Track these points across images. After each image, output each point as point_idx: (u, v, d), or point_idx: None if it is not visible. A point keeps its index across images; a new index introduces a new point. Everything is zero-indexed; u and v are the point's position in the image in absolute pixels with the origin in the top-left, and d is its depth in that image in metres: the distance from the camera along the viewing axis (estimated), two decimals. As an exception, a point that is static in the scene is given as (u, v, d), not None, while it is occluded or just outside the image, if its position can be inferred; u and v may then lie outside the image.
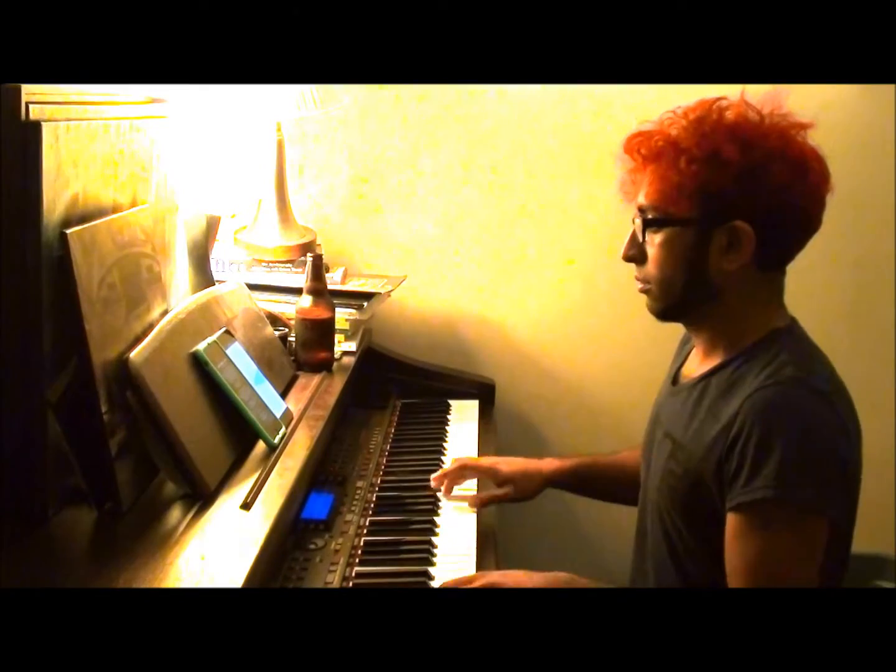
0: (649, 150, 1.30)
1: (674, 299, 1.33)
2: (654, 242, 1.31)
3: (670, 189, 1.28)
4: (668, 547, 1.34)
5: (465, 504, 1.61)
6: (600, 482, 1.67)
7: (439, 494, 1.64)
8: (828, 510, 1.21)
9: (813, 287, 2.14)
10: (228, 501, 1.30)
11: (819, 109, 2.07)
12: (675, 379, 1.44)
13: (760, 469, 1.19)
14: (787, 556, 1.20)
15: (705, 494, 1.27)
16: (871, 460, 1.30)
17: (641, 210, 1.32)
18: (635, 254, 1.34)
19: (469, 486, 1.67)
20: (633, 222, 1.34)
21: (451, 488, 1.64)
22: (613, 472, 1.65)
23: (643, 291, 1.36)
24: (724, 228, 1.27)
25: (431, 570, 1.40)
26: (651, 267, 1.33)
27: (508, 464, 1.67)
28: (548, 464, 1.67)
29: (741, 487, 1.21)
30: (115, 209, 1.35)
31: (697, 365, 1.38)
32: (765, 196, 1.26)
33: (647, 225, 1.31)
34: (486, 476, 1.68)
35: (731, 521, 1.22)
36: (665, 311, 1.35)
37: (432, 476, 1.65)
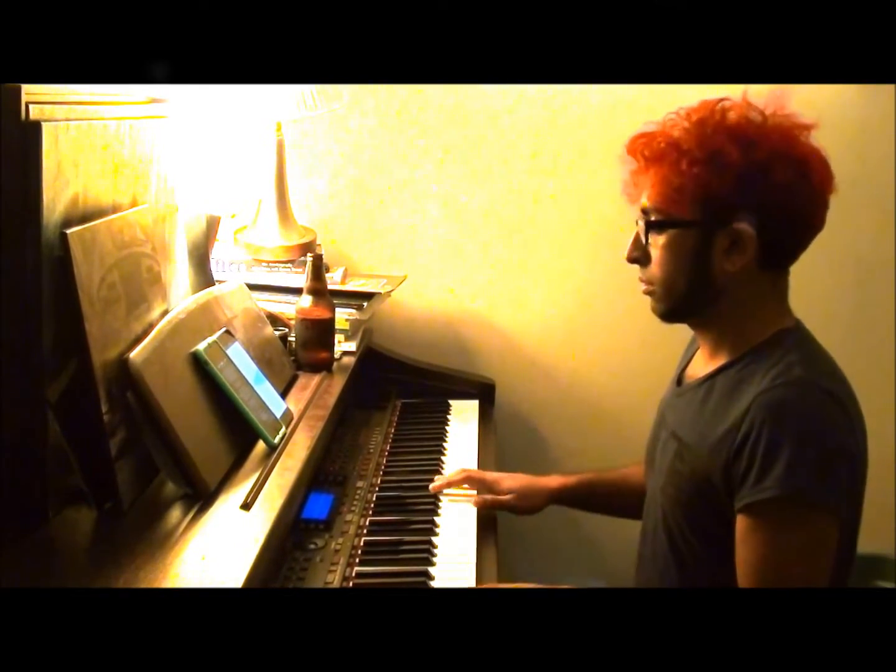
0: (652, 151, 1.31)
1: (677, 301, 1.33)
2: (657, 244, 1.32)
3: (672, 191, 1.28)
4: (672, 548, 1.34)
5: (466, 503, 1.61)
6: (604, 498, 1.66)
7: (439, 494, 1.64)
8: (838, 509, 1.21)
9: (814, 287, 2.13)
10: (228, 501, 1.30)
11: (819, 109, 2.08)
12: (679, 380, 1.44)
13: (770, 469, 1.19)
14: (797, 555, 1.20)
15: (711, 494, 1.27)
16: (871, 460, 1.30)
17: (645, 212, 1.33)
18: (639, 255, 1.35)
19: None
20: (637, 224, 1.34)
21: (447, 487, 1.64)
22: (617, 487, 1.64)
23: (647, 293, 1.36)
24: (727, 230, 1.27)
25: (431, 570, 1.40)
26: (654, 269, 1.33)
27: (513, 479, 1.66)
28: (552, 480, 1.66)
29: (751, 487, 1.21)
30: (115, 209, 1.35)
31: (703, 365, 1.38)
32: (767, 197, 1.26)
33: (650, 227, 1.32)
34: (488, 489, 1.65)
35: (741, 521, 1.22)
36: (669, 312, 1.36)
37: (431, 486, 1.64)
